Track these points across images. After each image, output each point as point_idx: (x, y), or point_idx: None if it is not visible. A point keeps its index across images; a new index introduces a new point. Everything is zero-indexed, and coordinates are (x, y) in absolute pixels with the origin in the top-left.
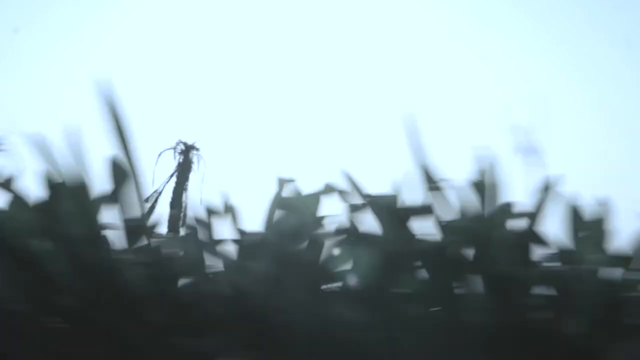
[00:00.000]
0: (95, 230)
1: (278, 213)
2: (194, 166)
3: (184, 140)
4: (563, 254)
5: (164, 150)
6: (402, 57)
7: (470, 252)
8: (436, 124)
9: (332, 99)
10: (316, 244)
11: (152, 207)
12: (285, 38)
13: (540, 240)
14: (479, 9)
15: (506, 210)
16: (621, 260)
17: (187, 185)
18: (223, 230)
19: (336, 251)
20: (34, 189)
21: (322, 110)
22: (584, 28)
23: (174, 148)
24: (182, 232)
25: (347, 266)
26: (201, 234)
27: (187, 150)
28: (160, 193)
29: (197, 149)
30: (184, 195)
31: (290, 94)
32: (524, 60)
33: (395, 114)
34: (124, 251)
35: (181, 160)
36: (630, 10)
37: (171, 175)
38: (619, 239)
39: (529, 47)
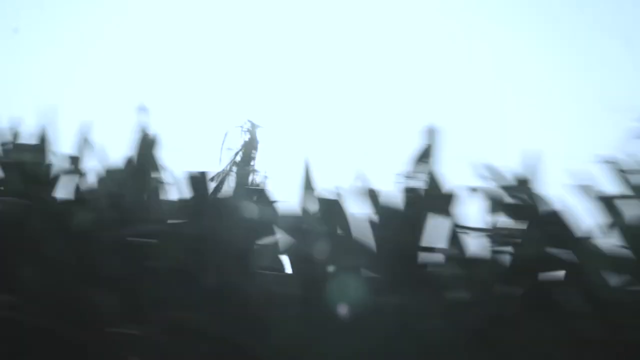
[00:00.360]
0: None
1: None
2: (260, 145)
3: (250, 119)
4: None
5: (230, 129)
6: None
7: None
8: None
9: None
10: None
11: (219, 186)
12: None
13: None
14: (478, 8)
15: None
16: None
17: (253, 163)
18: None
19: None
20: None
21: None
22: (583, 27)
23: (241, 126)
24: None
25: None
26: None
27: (253, 129)
28: (226, 172)
29: (264, 128)
30: (249, 174)
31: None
32: (522, 59)
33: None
34: None
35: (247, 139)
36: (630, 10)
37: (236, 154)
38: None
39: (529, 45)
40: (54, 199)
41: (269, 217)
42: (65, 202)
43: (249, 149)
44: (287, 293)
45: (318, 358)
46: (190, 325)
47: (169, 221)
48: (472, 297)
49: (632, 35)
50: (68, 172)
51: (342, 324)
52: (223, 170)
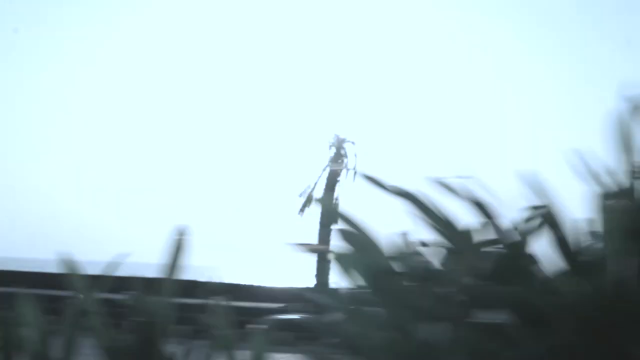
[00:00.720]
0: None
1: None
2: (347, 160)
3: (337, 134)
4: None
5: (317, 144)
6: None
7: None
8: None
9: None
10: None
11: (307, 203)
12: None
13: None
14: (480, 8)
15: None
16: None
17: (339, 178)
18: None
19: None
20: None
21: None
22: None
23: (328, 141)
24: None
25: None
26: None
27: (339, 144)
28: (314, 187)
29: (351, 142)
30: (335, 189)
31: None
32: (521, 57)
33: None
34: None
35: (333, 154)
36: (630, 11)
37: (324, 169)
38: None
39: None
40: None
41: None
42: None
43: (335, 164)
44: None
45: None
46: None
47: None
48: None
49: (632, 36)
50: None
51: None
52: (309, 186)
